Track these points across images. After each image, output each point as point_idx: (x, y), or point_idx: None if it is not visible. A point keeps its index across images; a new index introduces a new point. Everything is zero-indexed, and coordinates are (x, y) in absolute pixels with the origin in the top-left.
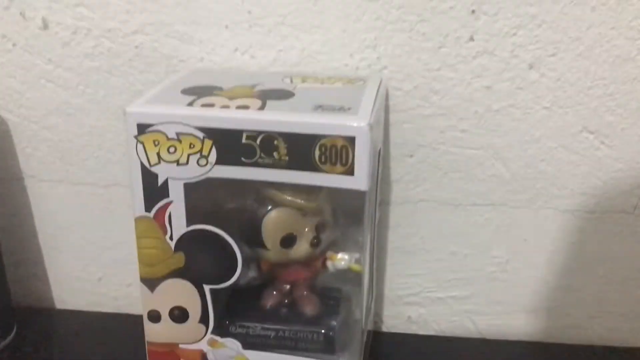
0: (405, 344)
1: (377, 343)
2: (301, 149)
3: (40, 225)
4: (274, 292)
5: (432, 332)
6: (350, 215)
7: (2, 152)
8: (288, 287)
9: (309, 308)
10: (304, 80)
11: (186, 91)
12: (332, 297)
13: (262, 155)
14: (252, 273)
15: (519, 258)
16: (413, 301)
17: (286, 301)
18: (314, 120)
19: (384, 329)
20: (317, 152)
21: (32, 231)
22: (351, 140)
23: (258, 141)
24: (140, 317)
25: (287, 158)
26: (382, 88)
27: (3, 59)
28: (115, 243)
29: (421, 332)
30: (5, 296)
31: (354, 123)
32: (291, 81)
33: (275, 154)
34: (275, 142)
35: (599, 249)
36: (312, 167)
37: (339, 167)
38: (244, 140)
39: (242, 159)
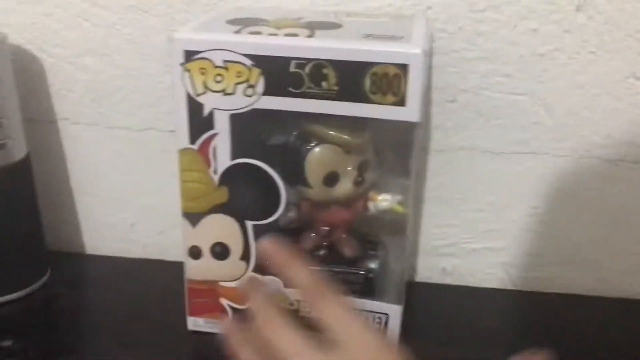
0: (439, 295)
1: (411, 294)
2: (351, 78)
3: (73, 169)
4: (313, 235)
5: (466, 284)
6: (394, 156)
7: (36, 94)
8: (327, 229)
9: (348, 250)
10: (349, 15)
11: (232, 22)
12: (371, 241)
13: (311, 84)
14: (291, 214)
15: (557, 209)
16: (448, 252)
17: (325, 244)
18: (366, 47)
19: (418, 279)
20: (367, 81)
21: (64, 176)
22: (404, 68)
23: (307, 69)
24: (171, 263)
25: (336, 88)
26: (428, 26)
27: None
28: (148, 189)
29: (455, 283)
30: (40, 240)
31: (408, 50)
32: (336, 15)
33: (324, 83)
34: (325, 70)
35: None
36: (362, 97)
37: (389, 97)
38: (292, 69)
39: (290, 88)
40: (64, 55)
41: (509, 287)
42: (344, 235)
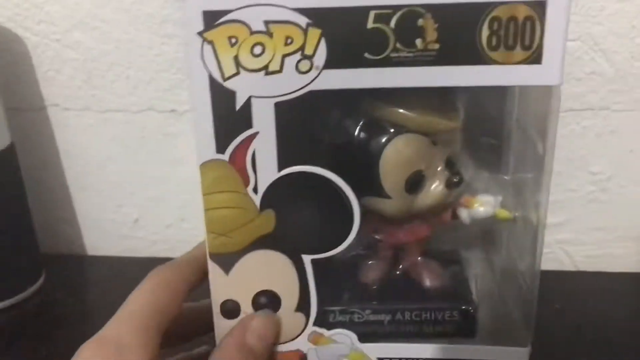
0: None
1: None
2: (461, 29)
3: (67, 161)
4: (376, 262)
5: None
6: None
7: (21, 78)
8: (391, 251)
9: (431, 278)
10: None
11: None
12: (454, 260)
13: (399, 44)
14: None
15: (623, 174)
16: None
17: (397, 272)
18: None
19: None
20: (485, 31)
21: (57, 169)
22: (540, 6)
23: (393, 23)
24: None
25: (437, 46)
26: None
27: None
28: (151, 179)
29: None
30: (32, 240)
31: None
32: None
33: (418, 41)
34: (421, 21)
35: None
36: (477, 57)
37: (518, 53)
38: (370, 24)
39: (366, 54)
40: (49, 31)
41: (570, 268)
42: (419, 259)
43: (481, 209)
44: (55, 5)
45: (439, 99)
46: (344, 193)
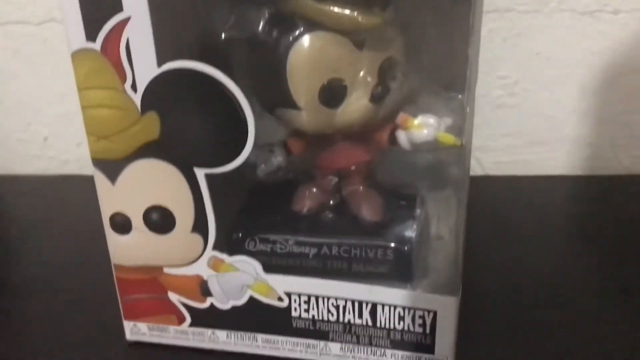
0: None
1: None
2: None
3: None
4: (313, 189)
5: None
6: (437, 51)
7: None
8: (334, 179)
9: (369, 210)
10: None
11: None
12: (404, 195)
13: None
14: (276, 158)
15: (529, 77)
16: None
17: (332, 202)
18: None
19: None
20: None
21: None
22: None
23: None
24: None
25: None
26: None
27: None
28: (58, 95)
29: None
30: None
31: None
32: None
33: None
34: None
35: (626, 60)
36: None
37: None
38: None
39: None
40: None
41: (479, 173)
42: (360, 188)
43: (423, 131)
44: None
45: None
46: (235, 98)
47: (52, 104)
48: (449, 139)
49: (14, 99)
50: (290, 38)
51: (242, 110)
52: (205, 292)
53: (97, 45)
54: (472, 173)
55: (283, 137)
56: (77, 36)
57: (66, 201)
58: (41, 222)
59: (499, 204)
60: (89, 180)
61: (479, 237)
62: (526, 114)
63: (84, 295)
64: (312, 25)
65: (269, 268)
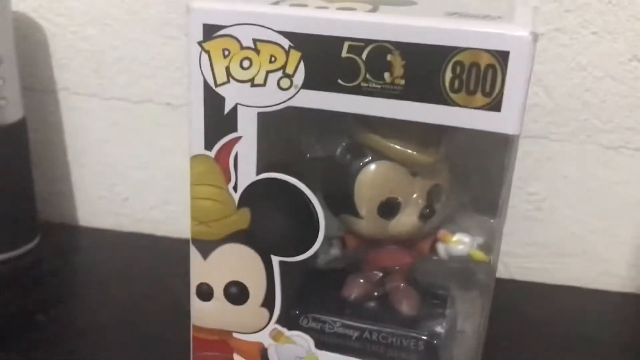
0: None
1: None
2: (425, 69)
3: (70, 140)
4: (361, 280)
5: None
6: (477, 183)
7: (37, 62)
8: (380, 274)
9: (407, 305)
10: None
11: None
12: (438, 295)
13: (369, 75)
14: (334, 250)
15: (556, 196)
16: None
17: (376, 293)
18: (449, 26)
19: None
20: (448, 74)
21: (61, 146)
22: (503, 56)
23: (364, 55)
24: (164, 238)
25: (403, 81)
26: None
27: None
28: (142, 163)
29: None
30: (31, 206)
31: (510, 31)
32: None
33: (386, 74)
34: (389, 56)
35: None
36: (439, 97)
37: (479, 98)
38: (344, 54)
39: (339, 81)
40: (66, 24)
41: (505, 276)
42: (401, 285)
43: (458, 247)
44: (74, 1)
45: (422, 131)
46: (312, 205)
47: (135, 170)
48: (480, 256)
49: (104, 162)
50: (360, 163)
51: (316, 214)
52: (264, 358)
53: (212, 153)
54: (498, 275)
55: (340, 233)
56: (197, 144)
57: (139, 257)
58: (116, 273)
59: (520, 307)
60: (159, 240)
61: (500, 335)
62: (552, 228)
63: (156, 347)
64: (379, 155)
65: (319, 345)
